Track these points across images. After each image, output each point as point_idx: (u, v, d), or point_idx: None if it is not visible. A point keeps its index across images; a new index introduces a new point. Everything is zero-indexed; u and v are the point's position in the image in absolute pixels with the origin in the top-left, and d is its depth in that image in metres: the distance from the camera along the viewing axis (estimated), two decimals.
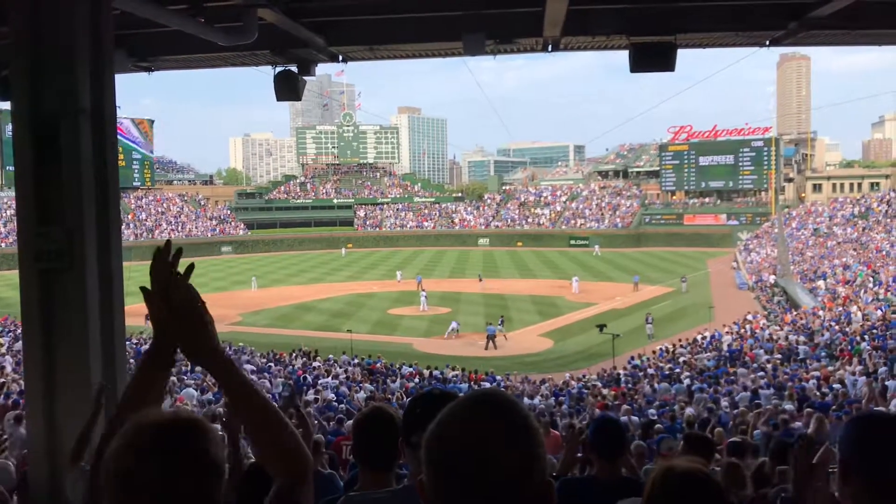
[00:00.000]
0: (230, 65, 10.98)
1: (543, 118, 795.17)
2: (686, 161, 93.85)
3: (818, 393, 17.08)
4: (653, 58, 8.50)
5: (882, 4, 7.72)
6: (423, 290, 46.87)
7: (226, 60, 10.66)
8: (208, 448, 1.59)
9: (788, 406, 14.67)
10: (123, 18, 7.67)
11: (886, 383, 16.56)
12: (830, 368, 21.29)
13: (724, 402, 17.13)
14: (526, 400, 19.32)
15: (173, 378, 20.07)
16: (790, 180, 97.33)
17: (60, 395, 4.55)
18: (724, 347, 28.25)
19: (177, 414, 1.65)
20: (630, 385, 21.57)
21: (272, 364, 25.45)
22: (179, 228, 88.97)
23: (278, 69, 10.29)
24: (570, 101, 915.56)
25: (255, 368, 23.91)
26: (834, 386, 17.88)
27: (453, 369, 26.31)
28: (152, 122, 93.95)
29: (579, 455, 5.60)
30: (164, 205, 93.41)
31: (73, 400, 4.52)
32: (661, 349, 29.12)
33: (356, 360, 27.02)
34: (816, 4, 7.67)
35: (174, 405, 14.59)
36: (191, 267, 1.95)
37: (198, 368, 23.06)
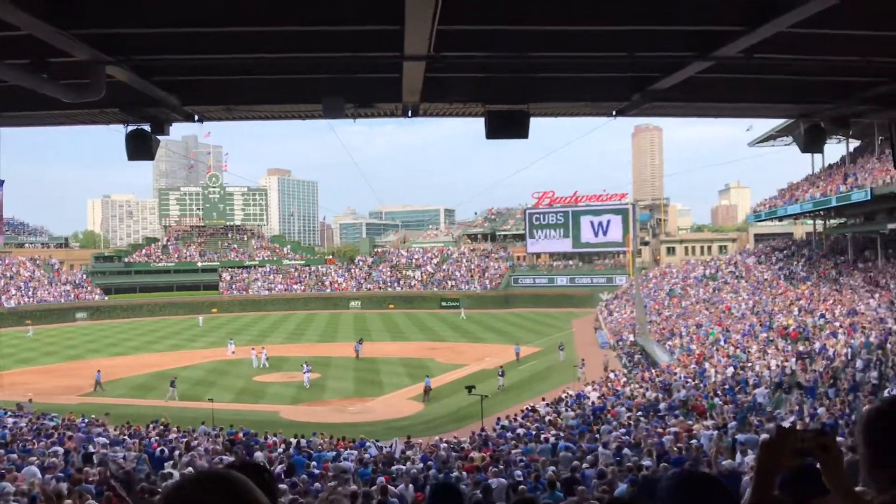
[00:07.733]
0: (78, 122, 10.50)
1: (413, 183, 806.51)
2: None
3: (675, 448, 17.66)
4: (507, 125, 8.77)
5: (711, 80, 8.33)
6: (307, 369, 41.88)
7: (72, 118, 10.18)
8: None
9: (647, 462, 15.08)
10: None
11: (737, 437, 17.34)
12: (689, 423, 22.15)
13: (588, 460, 17.44)
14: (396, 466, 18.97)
15: (13, 455, 18.45)
16: (646, 243, 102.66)
17: None
18: (589, 405, 28.91)
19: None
20: (497, 447, 21.61)
21: (126, 437, 23.89)
22: (30, 294, 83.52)
23: (130, 128, 9.92)
24: (438, 167, 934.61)
25: (107, 441, 22.39)
26: (691, 441, 18.56)
27: (321, 437, 25.60)
28: (2, 182, 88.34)
29: None
30: (14, 269, 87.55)
31: None
32: (527, 409, 29.48)
33: (216, 431, 25.80)
34: (656, 78, 8.18)
35: (16, 484, 13.34)
36: None
37: (41, 444, 21.35)
